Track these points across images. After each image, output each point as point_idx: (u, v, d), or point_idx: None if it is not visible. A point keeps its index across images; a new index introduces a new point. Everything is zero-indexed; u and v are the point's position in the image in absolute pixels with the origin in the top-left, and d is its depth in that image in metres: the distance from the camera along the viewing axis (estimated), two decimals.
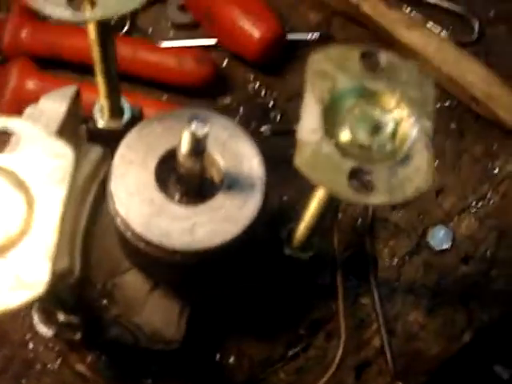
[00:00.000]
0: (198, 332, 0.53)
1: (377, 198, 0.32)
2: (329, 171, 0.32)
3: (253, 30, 0.61)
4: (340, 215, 0.60)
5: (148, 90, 0.64)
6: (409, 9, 0.67)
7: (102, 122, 0.51)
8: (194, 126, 0.37)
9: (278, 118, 0.65)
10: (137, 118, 0.52)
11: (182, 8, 0.68)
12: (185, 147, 0.38)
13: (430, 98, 0.35)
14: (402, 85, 0.35)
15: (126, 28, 0.67)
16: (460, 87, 0.62)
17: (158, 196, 0.42)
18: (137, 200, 0.42)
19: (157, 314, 0.52)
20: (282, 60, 0.67)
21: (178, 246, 0.41)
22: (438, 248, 0.60)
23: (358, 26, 0.68)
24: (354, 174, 0.32)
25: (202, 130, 0.37)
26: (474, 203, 0.63)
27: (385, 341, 0.56)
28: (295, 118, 0.64)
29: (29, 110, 0.49)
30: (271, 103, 0.66)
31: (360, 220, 0.61)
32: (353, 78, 0.35)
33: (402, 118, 0.35)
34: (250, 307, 0.56)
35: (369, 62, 0.35)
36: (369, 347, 0.57)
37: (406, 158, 0.33)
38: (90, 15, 0.34)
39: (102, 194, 0.47)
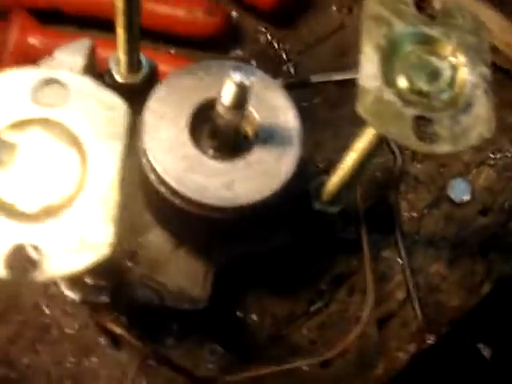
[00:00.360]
0: (219, 290, 0.52)
1: (441, 147, 0.31)
2: (392, 119, 0.31)
3: None
4: None
5: (156, 42, 0.62)
6: None
7: (119, 77, 0.49)
8: (239, 76, 0.35)
9: (292, 70, 0.64)
10: (153, 73, 0.50)
11: None
12: (228, 99, 0.37)
13: (486, 44, 0.34)
14: (458, 30, 0.34)
15: None
16: None
17: (192, 151, 0.41)
18: (171, 155, 0.40)
19: (182, 273, 0.51)
20: (293, 10, 0.65)
21: (217, 202, 0.40)
22: (457, 200, 0.60)
23: None
24: (417, 123, 0.31)
25: (247, 81, 0.35)
26: (492, 155, 0.62)
27: (412, 291, 0.56)
28: (308, 70, 0.64)
29: (46, 61, 0.47)
30: (284, 56, 0.64)
31: (379, 174, 0.61)
32: (408, 23, 0.33)
33: (459, 65, 0.34)
34: (272, 263, 0.55)
35: (424, 5, 0.34)
36: (391, 300, 0.57)
37: (467, 106, 0.32)
38: None
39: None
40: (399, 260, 0.58)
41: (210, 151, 0.42)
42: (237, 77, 0.35)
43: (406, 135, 0.31)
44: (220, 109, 0.38)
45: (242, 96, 0.36)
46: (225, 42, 0.63)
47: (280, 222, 0.50)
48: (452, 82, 0.33)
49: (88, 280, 0.46)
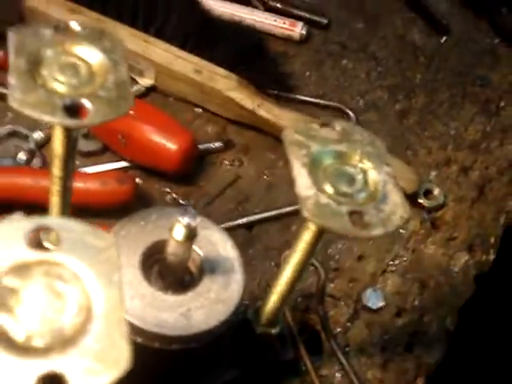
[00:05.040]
0: None
1: (376, 231, 0.37)
2: (332, 217, 0.37)
3: (169, 143, 0.66)
4: None
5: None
6: (294, 108, 0.77)
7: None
8: (186, 218, 0.40)
9: None
10: None
11: (87, 136, 0.72)
12: (179, 236, 0.41)
13: (383, 150, 0.42)
14: (359, 144, 0.42)
15: (36, 162, 0.69)
16: None
17: (148, 289, 0.44)
18: (128, 296, 0.43)
19: None
20: (192, 169, 0.72)
21: (177, 333, 0.43)
22: (374, 307, 0.66)
23: (252, 130, 0.76)
24: (351, 216, 0.37)
25: (194, 221, 0.41)
26: (391, 262, 0.70)
27: None
28: (216, 220, 0.70)
29: None
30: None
31: (300, 299, 0.66)
32: (321, 144, 0.41)
33: (367, 169, 0.41)
34: None
35: (328, 129, 0.42)
36: None
37: (384, 197, 0.39)
38: (86, 121, 0.37)
39: None
40: (338, 375, 0.62)
41: (160, 289, 0.46)
42: (185, 219, 0.40)
43: (346, 227, 0.37)
44: (172, 247, 0.42)
45: (191, 234, 0.41)
46: (134, 208, 0.68)
47: (227, 354, 0.53)
48: (366, 183, 0.41)
49: None
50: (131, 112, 0.68)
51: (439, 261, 0.71)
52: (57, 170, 0.46)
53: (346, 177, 0.40)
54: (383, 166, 0.41)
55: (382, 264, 0.70)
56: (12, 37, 0.39)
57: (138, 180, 0.71)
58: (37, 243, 0.32)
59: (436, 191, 0.74)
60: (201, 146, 0.73)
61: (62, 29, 0.40)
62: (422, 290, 0.69)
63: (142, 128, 0.68)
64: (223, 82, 0.72)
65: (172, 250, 0.43)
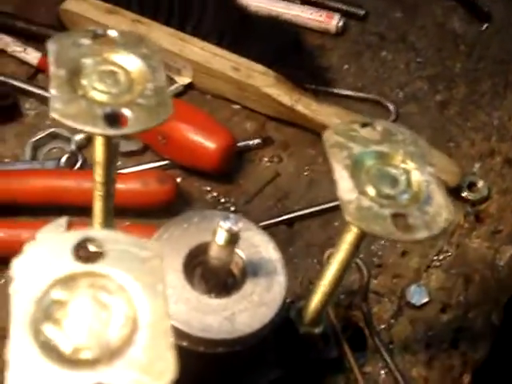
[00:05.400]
0: None
1: (420, 234, 0.37)
2: (374, 220, 0.36)
3: (208, 142, 0.67)
4: None
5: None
6: (333, 103, 0.76)
7: None
8: (228, 223, 0.41)
9: None
10: None
11: (127, 136, 0.72)
12: (221, 240, 0.41)
13: (426, 150, 0.42)
14: (401, 144, 0.41)
15: (78, 164, 0.70)
16: None
17: (191, 293, 0.44)
18: (172, 300, 0.44)
19: None
20: (232, 167, 0.72)
21: (222, 336, 0.43)
22: (418, 304, 0.65)
23: (291, 126, 0.75)
24: (394, 219, 0.37)
25: (236, 226, 0.41)
26: (435, 257, 0.69)
27: None
28: (256, 217, 0.70)
29: (28, 246, 0.50)
30: (232, 208, 0.70)
31: (343, 296, 0.65)
32: (362, 145, 0.40)
33: (410, 170, 0.40)
34: None
35: (369, 130, 0.41)
36: None
37: (428, 198, 0.39)
38: (126, 130, 0.37)
39: None
40: (382, 372, 0.62)
41: (204, 293, 0.46)
42: (227, 223, 0.40)
43: (389, 231, 0.36)
44: (214, 251, 0.43)
45: (232, 238, 0.41)
46: (175, 207, 0.69)
47: (270, 354, 0.53)
48: (409, 183, 0.40)
49: None
50: None
51: (484, 255, 0.70)
52: (99, 176, 0.46)
53: (388, 178, 0.40)
54: (426, 166, 0.40)
55: (425, 259, 0.69)
56: (51, 46, 0.39)
57: (178, 179, 0.71)
58: (83, 255, 0.32)
59: (480, 184, 0.73)
60: (239, 144, 0.73)
61: (100, 36, 0.41)
62: (466, 285, 0.67)
63: (180, 128, 0.68)
64: (261, 79, 0.72)
65: (214, 253, 0.43)
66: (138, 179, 0.66)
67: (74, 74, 0.39)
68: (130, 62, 0.40)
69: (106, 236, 0.33)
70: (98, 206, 0.49)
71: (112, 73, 0.40)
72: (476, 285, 0.68)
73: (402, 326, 0.65)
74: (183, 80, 0.77)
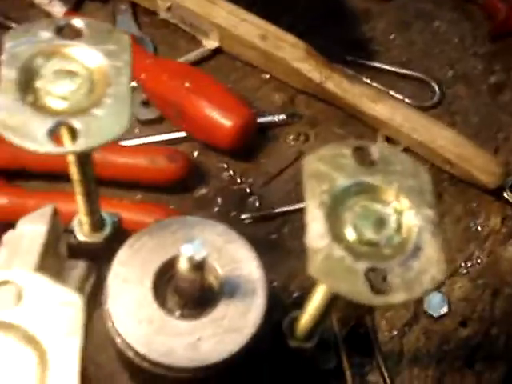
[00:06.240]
0: None
1: (396, 297, 0.31)
2: (343, 275, 0.31)
3: (224, 119, 0.62)
4: None
5: (120, 191, 0.63)
6: (368, 80, 0.69)
7: (82, 237, 0.50)
8: (190, 250, 0.36)
9: (257, 203, 0.65)
10: (117, 230, 0.50)
11: (146, 104, 0.68)
12: (184, 267, 0.37)
13: (427, 186, 0.35)
14: (398, 176, 0.35)
15: None
16: (432, 151, 0.63)
17: (157, 313, 0.41)
18: (136, 319, 0.40)
19: None
20: (252, 144, 0.67)
21: (183, 363, 0.40)
22: (435, 314, 0.60)
23: (322, 102, 0.69)
24: (369, 275, 0.31)
25: (199, 254, 0.36)
26: (462, 264, 0.63)
27: None
28: (273, 201, 0.65)
29: (8, 235, 0.48)
30: (248, 190, 0.66)
31: None
32: (349, 175, 0.35)
33: (403, 210, 0.35)
34: None
35: (362, 156, 0.35)
36: None
37: (417, 250, 0.33)
38: (73, 147, 0.33)
39: (89, 309, 0.45)
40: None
41: (177, 309, 0.42)
42: (189, 251, 0.36)
43: (358, 291, 0.31)
44: (179, 272, 0.39)
45: (196, 266, 0.37)
46: (189, 183, 0.65)
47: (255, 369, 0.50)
48: (399, 227, 0.34)
49: None
50: (187, 84, 0.65)
51: None
52: (79, 189, 0.43)
53: (375, 218, 0.34)
54: (424, 207, 0.34)
55: (451, 265, 0.63)
56: (6, 43, 0.35)
57: (195, 153, 0.67)
58: None
59: None
60: (263, 120, 0.68)
61: (63, 28, 0.36)
62: (493, 299, 0.61)
63: (196, 101, 0.63)
64: (290, 51, 0.66)
65: (181, 276, 0.39)
66: (146, 156, 0.62)
67: (29, 75, 0.35)
68: (93, 60, 0.36)
69: (27, 279, 0.29)
70: (79, 201, 0.46)
71: (70, 73, 0.35)
72: (504, 299, 0.61)
73: (415, 336, 0.60)
74: (211, 44, 0.71)
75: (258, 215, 0.64)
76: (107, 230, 0.49)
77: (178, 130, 0.67)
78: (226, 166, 0.67)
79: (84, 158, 0.40)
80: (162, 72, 0.66)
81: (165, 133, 0.67)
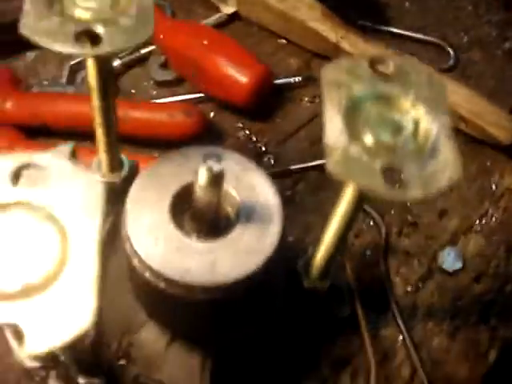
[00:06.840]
0: (218, 380, 0.51)
1: (412, 192, 0.31)
2: (361, 172, 0.32)
3: (240, 75, 0.62)
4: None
5: (136, 148, 0.64)
6: (383, 43, 0.70)
7: (100, 176, 0.50)
8: (210, 162, 0.37)
9: (272, 161, 0.65)
10: (134, 172, 0.51)
11: (164, 66, 0.69)
12: (204, 182, 0.38)
13: (442, 94, 0.36)
14: (414, 86, 0.36)
15: None
16: None
17: (174, 233, 0.41)
18: (153, 239, 0.41)
19: (178, 368, 0.49)
20: (268, 105, 0.68)
21: (200, 282, 0.40)
22: (450, 270, 0.60)
23: None
24: (386, 173, 0.32)
25: (217, 167, 0.37)
26: (477, 221, 0.63)
27: (418, 368, 0.54)
28: (288, 159, 0.66)
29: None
30: (263, 148, 0.66)
31: (369, 251, 0.61)
32: (366, 84, 0.35)
33: (420, 117, 0.35)
34: (269, 349, 0.53)
35: (379, 67, 0.36)
36: (398, 378, 0.55)
37: (433, 152, 0.33)
38: (96, 50, 0.34)
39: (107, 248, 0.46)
40: (400, 336, 0.57)
41: (193, 233, 0.43)
42: (208, 163, 0.37)
43: (375, 186, 0.31)
44: (197, 190, 0.39)
45: (216, 179, 0.37)
46: (205, 142, 0.65)
47: (267, 306, 0.50)
48: (415, 133, 0.34)
49: (81, 380, 0.45)
50: (205, 42, 0.66)
51: None
52: (96, 101, 0.43)
53: (391, 125, 0.35)
54: (440, 114, 0.35)
55: (466, 222, 0.63)
56: None
57: (211, 113, 0.68)
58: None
59: None
60: (279, 81, 0.69)
61: None
62: (508, 255, 0.61)
63: (213, 58, 0.64)
64: (306, 12, 0.67)
65: (199, 195, 0.39)
66: (164, 110, 0.63)
67: None
68: None
69: (50, 162, 0.30)
70: (99, 134, 0.46)
71: None
72: None
73: (429, 292, 0.60)
74: (228, 9, 0.72)
75: (272, 172, 0.64)
76: (125, 171, 0.50)
77: (194, 92, 0.68)
78: (241, 125, 0.67)
79: (105, 68, 0.40)
80: (180, 32, 0.67)
81: (181, 94, 0.68)
